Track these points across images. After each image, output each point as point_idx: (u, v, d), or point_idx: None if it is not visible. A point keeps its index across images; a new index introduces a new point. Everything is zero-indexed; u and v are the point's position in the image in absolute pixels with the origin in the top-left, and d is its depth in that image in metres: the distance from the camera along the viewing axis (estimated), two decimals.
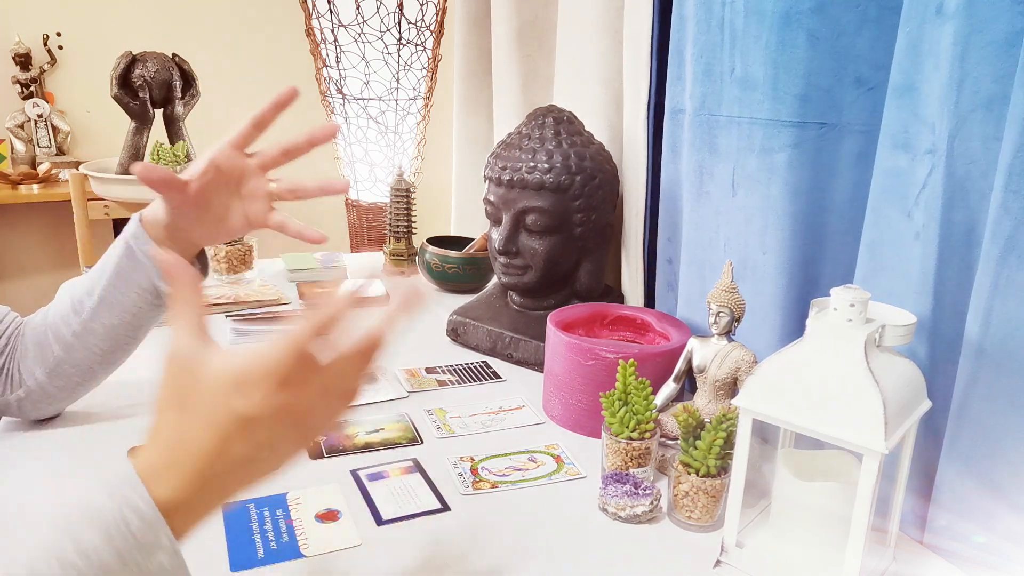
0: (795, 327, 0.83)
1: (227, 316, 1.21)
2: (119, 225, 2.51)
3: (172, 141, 2.02)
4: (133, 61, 1.90)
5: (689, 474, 0.70)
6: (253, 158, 0.77)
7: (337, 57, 2.05)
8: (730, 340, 0.81)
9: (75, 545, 0.40)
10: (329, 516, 0.71)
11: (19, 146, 2.43)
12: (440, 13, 2.05)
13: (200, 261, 0.83)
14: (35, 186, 2.29)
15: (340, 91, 2.11)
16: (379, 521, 0.70)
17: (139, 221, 0.77)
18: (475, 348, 1.13)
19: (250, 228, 0.80)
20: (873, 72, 0.75)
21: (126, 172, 1.95)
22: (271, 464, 0.45)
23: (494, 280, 1.18)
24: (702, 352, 0.82)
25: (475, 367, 1.07)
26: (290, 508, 0.71)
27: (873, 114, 0.75)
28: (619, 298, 1.17)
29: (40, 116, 2.41)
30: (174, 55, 1.99)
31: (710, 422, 0.70)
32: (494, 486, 0.77)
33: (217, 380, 0.43)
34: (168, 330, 0.46)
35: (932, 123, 0.65)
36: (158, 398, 0.45)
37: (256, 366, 0.43)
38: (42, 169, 2.33)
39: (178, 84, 1.96)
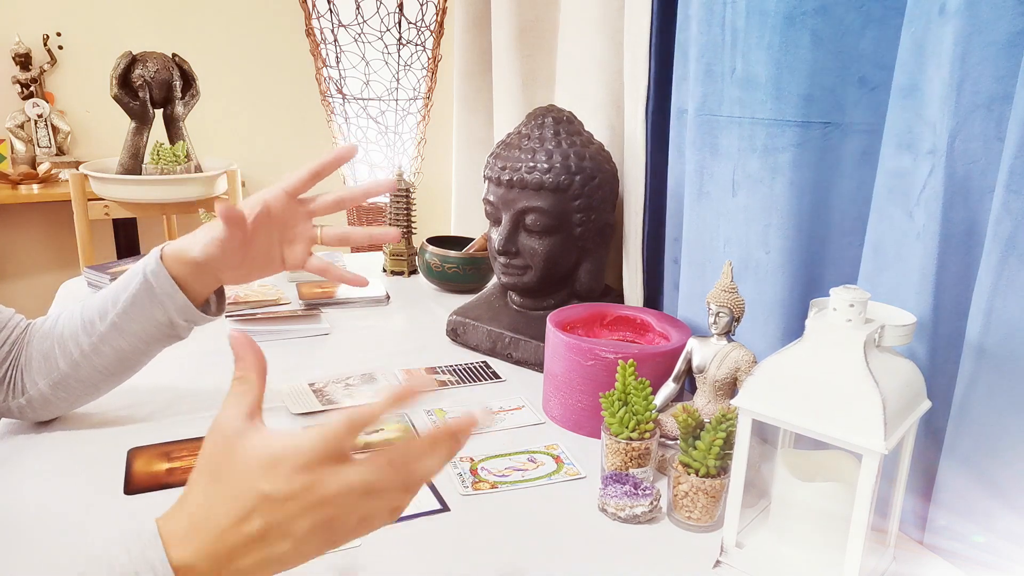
0: (797, 327, 0.82)
1: (227, 316, 1.21)
2: (119, 225, 2.53)
3: (172, 141, 2.02)
4: (133, 61, 1.90)
5: (689, 474, 0.70)
6: (305, 204, 0.79)
7: (337, 57, 2.05)
8: (730, 340, 0.81)
9: None
10: None
11: (19, 146, 2.43)
12: (440, 13, 2.05)
13: (217, 296, 0.83)
14: (35, 186, 2.29)
15: (340, 91, 2.11)
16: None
17: (159, 257, 0.77)
18: (475, 348, 1.13)
19: (284, 270, 0.81)
20: (876, 72, 0.75)
21: (126, 172, 1.95)
22: (289, 554, 0.44)
23: (494, 280, 1.18)
24: (702, 352, 0.82)
25: (475, 367, 1.07)
26: None
27: (876, 114, 0.75)
28: (619, 298, 1.17)
29: (40, 116, 2.41)
30: (174, 55, 1.99)
31: (710, 422, 0.70)
32: (494, 486, 0.77)
33: (249, 459, 0.44)
34: (222, 403, 0.47)
35: (933, 123, 0.65)
36: (195, 466, 0.46)
37: (285, 449, 0.44)
38: (42, 169, 2.33)
39: (178, 84, 1.96)
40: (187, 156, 1.99)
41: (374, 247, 2.24)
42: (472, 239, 1.46)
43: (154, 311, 0.77)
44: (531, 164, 1.02)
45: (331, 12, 1.99)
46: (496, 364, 1.08)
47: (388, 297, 1.35)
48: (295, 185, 0.77)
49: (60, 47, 2.45)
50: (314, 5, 2.01)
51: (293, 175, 0.78)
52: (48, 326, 0.81)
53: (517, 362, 1.08)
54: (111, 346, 0.78)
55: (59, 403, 0.82)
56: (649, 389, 0.76)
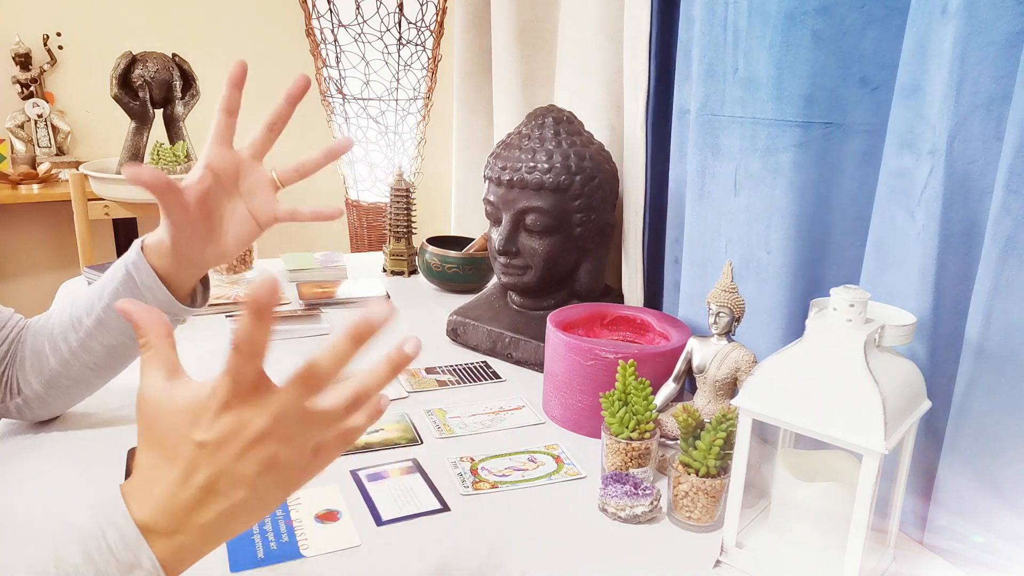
0: (798, 327, 0.82)
1: (227, 316, 1.21)
2: (119, 225, 2.52)
3: (172, 141, 2.02)
4: (133, 61, 1.90)
5: (689, 474, 0.70)
6: (244, 149, 0.75)
7: (337, 57, 2.05)
8: (730, 340, 0.81)
9: (57, 565, 0.42)
10: (329, 516, 0.71)
11: (19, 146, 2.43)
12: (440, 13, 2.05)
13: (203, 285, 0.81)
14: (35, 186, 2.29)
15: (340, 91, 2.11)
16: (379, 521, 0.70)
17: (140, 248, 0.75)
18: (475, 348, 1.13)
19: (260, 229, 0.77)
20: (878, 72, 0.75)
21: None
22: (250, 501, 0.44)
23: (494, 280, 1.18)
24: (702, 352, 0.82)
25: (475, 367, 1.07)
26: (290, 508, 0.71)
27: (878, 114, 0.75)
28: (619, 298, 1.17)
29: (40, 116, 2.41)
30: (174, 55, 1.99)
31: (710, 422, 0.70)
32: (494, 486, 0.77)
33: (176, 413, 0.44)
34: (140, 372, 0.47)
35: (934, 123, 0.65)
36: (138, 435, 0.46)
37: (204, 394, 0.44)
38: (42, 169, 2.33)
39: (178, 84, 1.96)
40: (187, 156, 1.99)
41: (374, 247, 2.24)
42: (472, 239, 1.46)
43: (139, 297, 0.75)
44: (531, 164, 1.02)
45: (331, 12, 1.99)
46: (496, 364, 1.08)
47: (388, 297, 1.35)
48: (219, 133, 0.74)
49: (60, 47, 2.45)
50: (314, 5, 2.01)
51: (214, 124, 0.74)
52: (41, 324, 0.81)
53: (517, 362, 1.08)
54: (99, 342, 0.77)
55: (54, 401, 0.82)
56: (649, 389, 0.76)
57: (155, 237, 0.75)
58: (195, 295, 0.81)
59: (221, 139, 0.73)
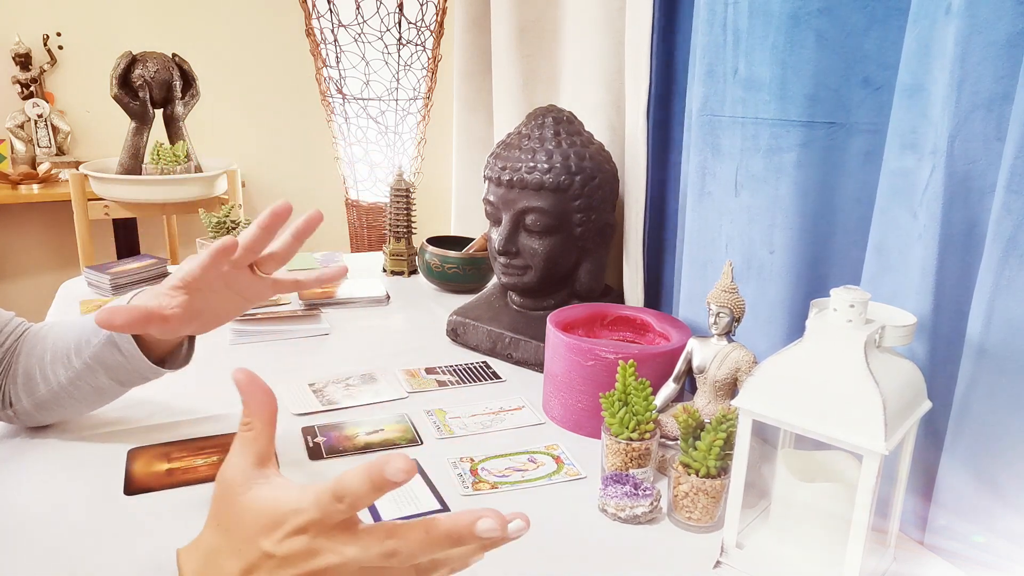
0: (801, 327, 0.82)
1: None
2: (119, 225, 2.52)
3: (172, 141, 2.02)
4: (133, 61, 1.90)
5: (689, 475, 0.70)
6: (232, 266, 0.72)
7: (337, 57, 2.05)
8: (730, 340, 0.81)
9: None
10: None
11: (19, 146, 2.43)
12: (440, 13, 2.05)
13: (189, 341, 0.80)
14: (35, 186, 2.29)
15: (340, 91, 2.11)
16: (379, 522, 0.70)
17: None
18: (475, 348, 1.13)
19: (250, 306, 0.77)
20: (881, 72, 0.75)
21: (126, 172, 1.95)
22: None
23: (494, 280, 1.18)
24: (702, 352, 0.82)
25: (475, 367, 1.07)
26: None
27: (881, 114, 0.75)
28: (619, 298, 1.17)
29: (40, 116, 2.41)
30: (174, 55, 1.99)
31: (710, 423, 0.70)
32: (494, 487, 0.77)
33: (252, 513, 0.43)
34: (231, 449, 0.46)
35: (935, 123, 0.65)
36: (210, 511, 0.46)
37: (286, 508, 0.43)
38: (42, 169, 2.33)
39: (178, 84, 1.96)
40: (187, 156, 1.99)
41: (374, 247, 2.24)
42: (472, 239, 1.46)
43: (123, 362, 0.75)
44: (531, 164, 1.02)
45: (331, 12, 1.99)
46: (496, 364, 1.08)
47: (388, 297, 1.35)
48: (211, 262, 0.70)
49: (60, 47, 2.45)
50: (314, 5, 2.01)
51: (203, 254, 0.71)
52: (36, 340, 0.80)
53: (517, 362, 1.08)
54: (86, 383, 0.77)
55: (44, 418, 0.82)
56: (649, 389, 0.76)
57: (143, 302, 0.72)
58: (180, 347, 0.80)
59: (210, 270, 0.70)
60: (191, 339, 0.81)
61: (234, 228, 1.38)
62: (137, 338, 0.75)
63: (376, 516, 0.71)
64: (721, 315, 0.80)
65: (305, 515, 0.42)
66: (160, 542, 0.66)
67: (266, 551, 0.43)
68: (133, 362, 0.75)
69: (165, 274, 1.29)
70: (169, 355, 0.79)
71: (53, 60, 2.44)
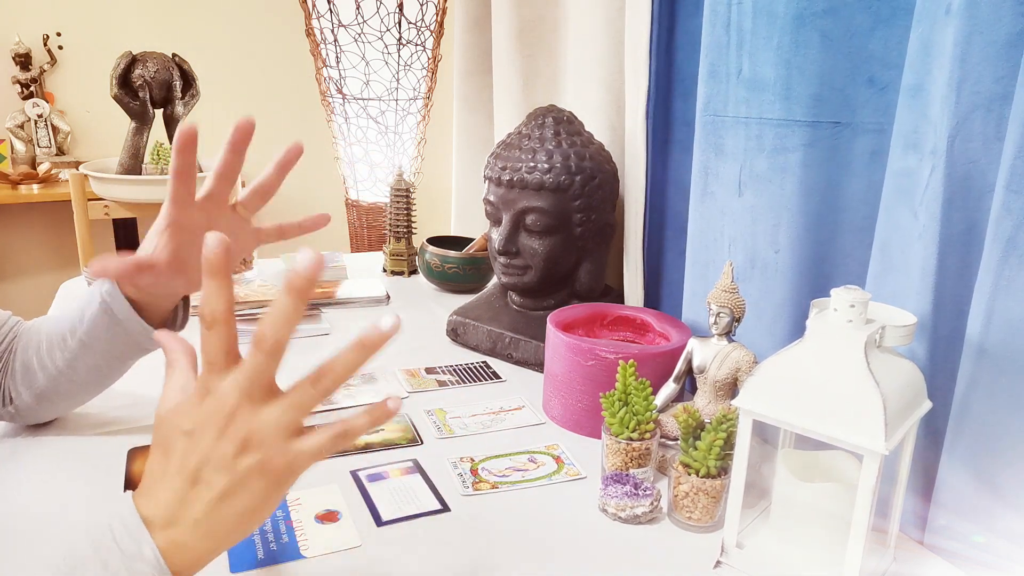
0: (804, 327, 0.83)
1: None
2: (119, 225, 2.52)
3: (172, 141, 2.02)
4: (133, 61, 1.90)
5: (689, 475, 0.70)
6: (211, 199, 0.73)
7: (337, 57, 2.05)
8: (730, 340, 0.81)
9: (66, 559, 0.43)
10: (329, 517, 0.71)
11: (19, 146, 2.43)
12: (440, 13, 2.05)
13: (184, 304, 0.80)
14: (35, 186, 2.29)
15: (340, 91, 2.11)
16: (379, 522, 0.70)
17: (114, 281, 0.74)
18: (475, 348, 1.13)
19: (239, 257, 0.78)
20: (886, 72, 0.75)
21: (126, 172, 1.95)
22: (234, 491, 0.45)
23: (494, 280, 1.18)
24: (702, 352, 0.82)
25: (475, 367, 1.07)
26: (290, 509, 0.71)
27: (886, 114, 0.75)
28: (619, 298, 1.17)
29: (40, 116, 2.41)
30: (174, 55, 1.99)
31: (710, 423, 0.70)
32: (494, 487, 0.77)
33: (173, 411, 0.47)
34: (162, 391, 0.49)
35: (935, 123, 0.65)
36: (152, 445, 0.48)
37: (189, 388, 0.47)
38: (42, 169, 2.33)
39: (178, 84, 1.96)
40: None
41: (374, 247, 2.24)
42: (472, 239, 1.46)
43: (117, 331, 0.75)
44: (531, 164, 1.02)
45: (331, 12, 1.99)
46: (496, 364, 1.08)
47: (388, 297, 1.35)
48: (211, 190, 0.72)
49: (60, 47, 2.45)
50: (314, 5, 2.01)
51: (207, 182, 0.73)
52: (32, 334, 0.80)
53: (517, 362, 1.08)
54: (83, 363, 0.77)
55: (45, 412, 0.82)
56: (650, 389, 0.76)
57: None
58: (176, 313, 0.80)
59: (178, 202, 0.71)
60: (185, 303, 0.80)
61: None
62: (132, 305, 0.75)
63: (377, 516, 0.71)
64: (721, 315, 0.80)
65: (201, 378, 0.46)
66: None
67: (184, 430, 0.45)
68: (128, 326, 0.74)
69: None
70: (164, 324, 0.78)
71: (53, 60, 2.44)
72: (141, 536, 0.44)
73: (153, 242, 0.72)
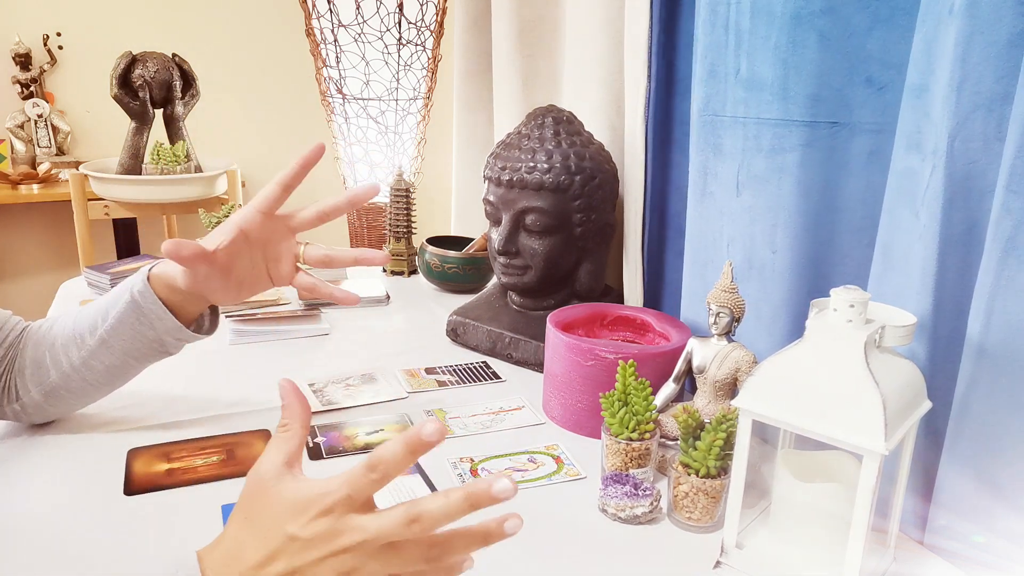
0: (803, 326, 0.82)
1: (227, 316, 1.21)
2: (119, 225, 2.52)
3: (172, 141, 2.02)
4: (133, 61, 1.90)
5: (689, 475, 0.70)
6: (285, 220, 0.77)
7: (337, 57, 2.05)
8: (730, 340, 0.81)
9: None
10: None
11: (19, 146, 2.43)
12: (440, 13, 2.05)
13: (211, 312, 0.82)
14: (35, 186, 2.29)
15: (340, 91, 2.11)
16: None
17: (146, 279, 0.76)
18: (475, 348, 1.13)
19: (272, 286, 0.80)
20: (884, 72, 0.75)
21: (126, 172, 1.95)
22: None
23: (494, 280, 1.18)
24: (702, 352, 0.82)
25: (475, 367, 1.07)
26: None
27: (884, 114, 0.75)
28: (619, 298, 1.17)
29: (40, 116, 2.41)
30: (174, 55, 1.99)
31: (710, 423, 0.70)
32: None
33: (280, 502, 0.45)
34: (266, 448, 0.49)
35: (936, 123, 0.65)
36: (235, 506, 0.48)
37: (313, 493, 0.45)
38: (42, 169, 2.33)
39: (178, 84, 1.96)
40: (187, 156, 1.99)
41: (374, 247, 2.24)
42: (472, 239, 1.45)
43: (143, 330, 0.77)
44: (531, 164, 1.02)
45: (331, 12, 1.99)
46: (496, 364, 1.08)
47: (388, 297, 1.35)
48: (268, 203, 0.75)
49: (60, 47, 2.45)
50: (314, 5, 2.00)
51: (264, 192, 0.75)
52: (43, 332, 0.80)
53: (517, 362, 1.08)
54: (100, 362, 0.78)
55: (52, 409, 0.82)
56: (649, 389, 0.76)
57: (164, 270, 0.76)
58: (202, 319, 0.82)
59: (264, 208, 0.75)
60: (214, 312, 0.82)
61: None
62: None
63: None
64: (721, 315, 0.80)
65: (334, 495, 0.44)
66: (160, 542, 0.66)
67: (291, 534, 0.44)
68: (158, 324, 0.76)
69: None
70: (189, 327, 0.80)
71: (53, 60, 2.43)
72: None
73: (221, 237, 0.73)
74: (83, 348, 0.77)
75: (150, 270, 0.77)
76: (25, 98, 2.41)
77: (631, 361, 0.77)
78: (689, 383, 0.86)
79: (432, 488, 0.76)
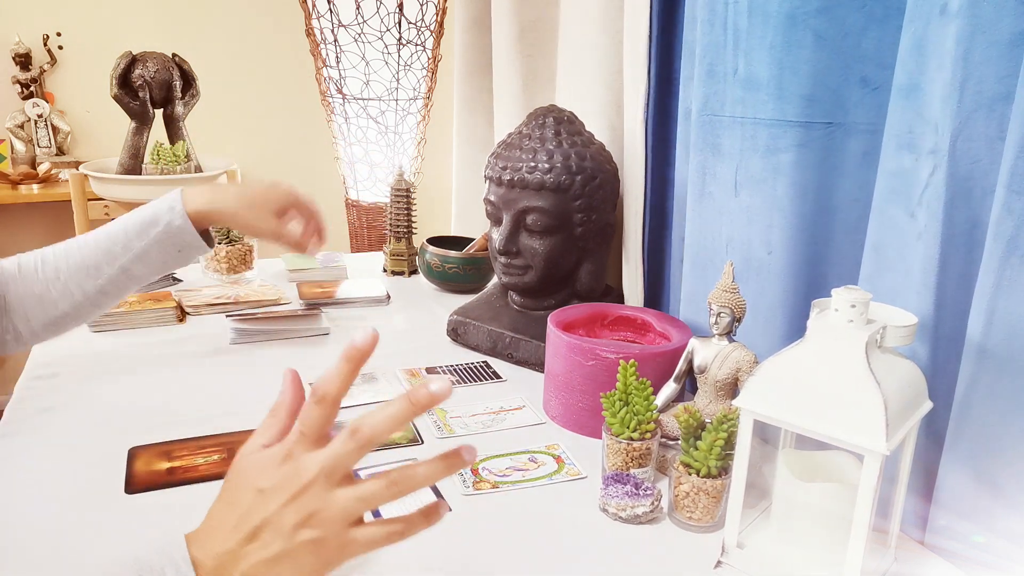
0: (799, 327, 0.82)
1: (227, 316, 1.21)
2: None
3: (172, 141, 2.02)
4: (133, 61, 1.90)
5: (690, 474, 0.70)
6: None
7: (337, 57, 2.05)
8: (731, 340, 0.81)
9: None
10: None
11: (19, 146, 2.43)
12: (440, 13, 2.05)
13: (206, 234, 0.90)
14: (35, 186, 2.29)
15: (340, 91, 2.11)
16: None
17: (185, 214, 0.85)
18: (475, 348, 1.13)
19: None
20: (879, 72, 0.75)
21: (126, 172, 1.95)
22: (282, 559, 0.45)
23: (494, 280, 1.18)
24: (703, 352, 0.82)
25: (475, 367, 1.07)
26: None
27: (879, 114, 0.75)
28: (619, 298, 1.17)
29: (40, 116, 2.41)
30: (174, 55, 1.99)
31: (711, 422, 0.70)
32: (495, 486, 0.77)
33: (250, 468, 0.47)
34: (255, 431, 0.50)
35: (935, 123, 0.65)
36: (221, 488, 0.49)
37: (274, 449, 0.47)
38: (42, 169, 2.33)
39: (178, 84, 1.96)
40: (187, 156, 1.99)
41: (374, 247, 2.24)
42: (472, 239, 1.45)
43: (177, 258, 0.87)
44: (532, 164, 1.02)
45: (331, 12, 1.99)
46: (496, 364, 1.08)
47: (388, 297, 1.35)
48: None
49: (60, 47, 2.45)
50: (314, 5, 2.01)
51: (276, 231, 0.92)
52: (30, 268, 0.82)
53: (518, 362, 1.08)
54: (118, 287, 0.85)
55: (49, 336, 0.85)
56: (650, 389, 0.76)
57: (205, 207, 0.87)
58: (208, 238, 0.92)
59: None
60: (206, 232, 0.90)
61: None
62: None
63: (377, 515, 0.71)
64: (722, 315, 0.80)
65: (289, 439, 0.46)
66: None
67: (258, 488, 0.45)
68: (193, 253, 0.88)
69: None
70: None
71: (53, 60, 2.43)
72: None
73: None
74: (100, 277, 0.82)
75: (185, 205, 0.86)
76: (25, 98, 2.41)
77: (632, 361, 0.77)
78: (690, 383, 0.86)
79: (433, 488, 0.76)
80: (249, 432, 0.64)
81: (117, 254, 0.82)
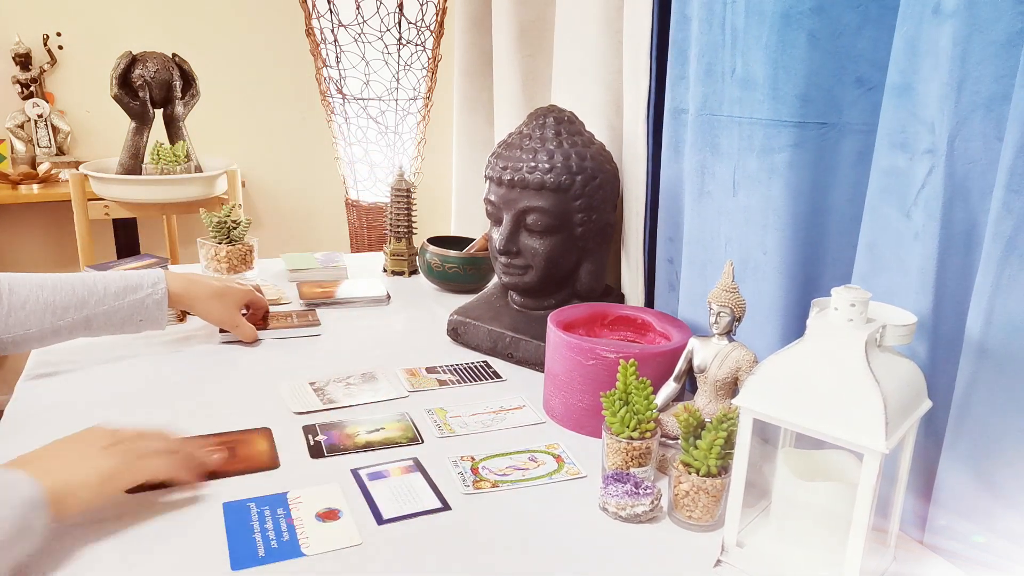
0: (796, 327, 0.83)
1: None
2: (119, 225, 2.52)
3: (172, 141, 2.02)
4: (133, 61, 1.90)
5: (690, 474, 0.70)
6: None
7: (337, 57, 2.05)
8: (731, 340, 0.81)
9: None
10: (330, 515, 0.71)
11: (19, 146, 2.43)
12: (440, 13, 2.05)
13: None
14: (35, 186, 2.29)
15: (340, 91, 2.11)
16: (379, 520, 0.70)
17: (167, 289, 0.98)
18: (475, 348, 1.13)
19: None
20: (873, 72, 0.75)
21: (126, 172, 1.95)
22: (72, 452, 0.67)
23: (494, 280, 1.18)
24: (703, 352, 0.82)
25: (475, 367, 1.07)
26: (291, 507, 0.71)
27: (874, 114, 0.75)
28: (619, 298, 1.17)
29: (40, 116, 2.41)
30: (174, 55, 1.99)
31: (711, 422, 0.70)
32: (495, 485, 0.77)
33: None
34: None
35: (931, 123, 0.65)
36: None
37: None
38: (42, 169, 2.33)
39: (178, 84, 1.96)
40: (187, 156, 1.99)
41: (374, 247, 2.24)
42: (472, 239, 1.46)
43: (133, 325, 0.96)
44: (532, 164, 1.02)
45: (331, 12, 1.99)
46: (497, 364, 1.08)
47: (388, 297, 1.35)
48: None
49: (60, 47, 2.45)
50: (314, 5, 2.01)
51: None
52: (4, 288, 0.87)
53: (518, 362, 1.08)
54: (70, 332, 0.91)
55: (7, 350, 0.90)
56: (650, 389, 0.76)
57: (183, 292, 1.01)
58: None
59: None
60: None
61: (234, 228, 1.38)
62: None
63: (378, 515, 0.71)
64: (722, 315, 0.80)
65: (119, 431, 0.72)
66: (161, 540, 0.66)
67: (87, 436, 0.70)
68: (156, 326, 0.99)
69: None
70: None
71: (53, 60, 2.43)
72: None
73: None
74: (62, 319, 0.87)
75: (167, 286, 0.98)
76: (25, 98, 2.41)
77: (632, 360, 0.77)
78: (690, 382, 0.86)
79: (433, 488, 0.76)
80: (249, 431, 0.67)
81: (88, 304, 0.89)
